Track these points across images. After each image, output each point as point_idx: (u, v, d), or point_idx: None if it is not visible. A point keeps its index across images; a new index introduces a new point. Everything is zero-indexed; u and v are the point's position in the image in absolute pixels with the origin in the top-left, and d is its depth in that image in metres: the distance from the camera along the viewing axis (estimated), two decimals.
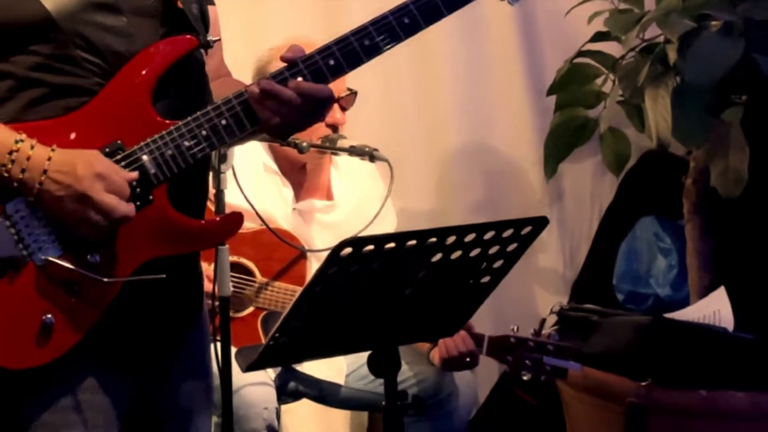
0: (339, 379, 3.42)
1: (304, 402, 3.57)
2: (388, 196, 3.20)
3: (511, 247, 2.04)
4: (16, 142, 1.85)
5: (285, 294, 3.25)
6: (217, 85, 2.10)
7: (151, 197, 1.92)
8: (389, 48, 2.00)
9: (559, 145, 3.85)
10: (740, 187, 3.33)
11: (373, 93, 3.88)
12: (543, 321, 3.10)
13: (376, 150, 3.19)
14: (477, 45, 4.14)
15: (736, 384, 3.06)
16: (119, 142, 1.91)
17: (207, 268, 2.80)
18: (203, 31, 2.02)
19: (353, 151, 3.22)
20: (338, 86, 3.12)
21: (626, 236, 3.99)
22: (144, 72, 1.93)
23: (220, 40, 2.04)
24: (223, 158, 2.65)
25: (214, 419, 3.31)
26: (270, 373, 3.29)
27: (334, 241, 1.94)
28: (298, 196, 3.49)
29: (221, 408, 2.75)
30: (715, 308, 3.30)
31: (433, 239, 1.94)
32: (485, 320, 3.55)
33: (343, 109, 3.41)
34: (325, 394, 3.47)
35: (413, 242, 1.92)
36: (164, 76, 1.94)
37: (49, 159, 1.85)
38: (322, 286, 1.91)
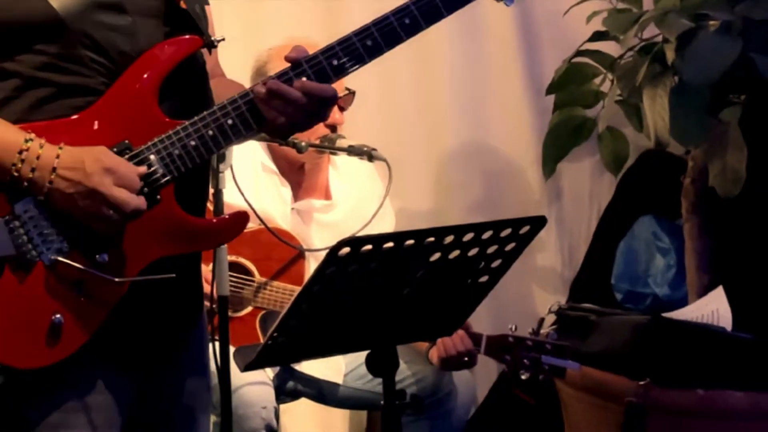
0: (337, 378, 3.43)
1: (303, 401, 3.58)
2: (387, 196, 3.21)
3: (509, 247, 2.04)
4: (26, 141, 1.85)
5: (283, 293, 3.25)
6: (214, 85, 2.11)
7: (158, 197, 1.93)
8: (391, 48, 2.01)
9: (558, 145, 3.86)
10: (738, 186, 3.33)
11: (372, 93, 3.88)
12: (541, 320, 3.11)
13: (374, 150, 3.20)
14: (475, 44, 4.14)
15: (734, 383, 3.06)
16: (127, 141, 1.92)
17: (205, 270, 2.81)
18: (207, 31, 2.03)
19: (352, 150, 3.22)
20: (337, 86, 3.10)
21: (625, 236, 3.99)
22: (150, 72, 1.94)
23: (223, 39, 2.05)
24: (221, 158, 2.66)
25: (213, 419, 3.32)
26: (269, 373, 3.29)
27: (332, 241, 1.94)
28: (296, 196, 3.49)
29: (220, 407, 2.75)
30: (713, 308, 3.30)
31: (432, 239, 1.94)
32: (484, 319, 3.55)
33: (342, 109, 3.41)
34: (323, 393, 3.47)
35: (411, 242, 1.92)
36: (168, 76, 1.95)
37: (58, 157, 1.86)
38: (320, 286, 1.91)
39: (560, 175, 4.13)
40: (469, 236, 1.97)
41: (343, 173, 3.58)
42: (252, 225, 3.11)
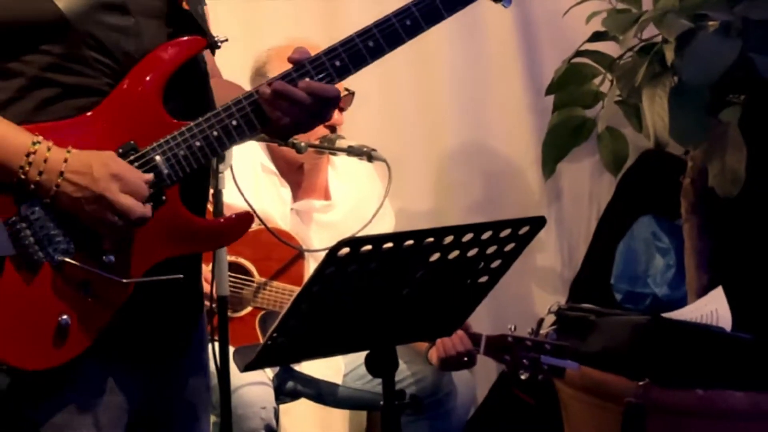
0: (337, 378, 3.43)
1: (303, 401, 3.58)
2: (386, 197, 3.21)
3: (508, 247, 2.04)
4: (34, 144, 1.85)
5: (283, 294, 3.25)
6: (212, 86, 2.11)
7: (164, 197, 1.94)
8: (393, 49, 2.02)
9: (558, 145, 3.86)
10: (738, 186, 3.34)
11: (371, 93, 3.89)
12: (541, 321, 3.11)
13: (374, 150, 3.20)
14: (475, 45, 4.14)
15: (733, 384, 3.06)
16: (132, 142, 1.93)
17: (205, 270, 2.81)
18: (210, 32, 2.03)
19: (351, 151, 3.22)
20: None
21: (624, 236, 3.99)
22: (155, 72, 1.94)
23: (226, 40, 2.06)
24: (221, 158, 2.66)
25: (213, 419, 3.32)
26: (268, 373, 3.29)
27: (332, 241, 1.94)
28: (295, 196, 3.49)
29: (219, 408, 2.75)
30: (712, 308, 3.30)
31: (431, 239, 1.94)
32: (483, 320, 3.55)
33: (341, 109, 3.41)
34: (323, 393, 3.47)
35: (411, 242, 1.92)
36: (171, 77, 1.96)
37: (65, 161, 1.86)
38: (319, 286, 1.91)
39: (560, 175, 4.13)
40: (468, 236, 1.97)
41: (342, 173, 3.59)
42: (252, 225, 3.12)
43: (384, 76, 3.95)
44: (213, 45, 2.03)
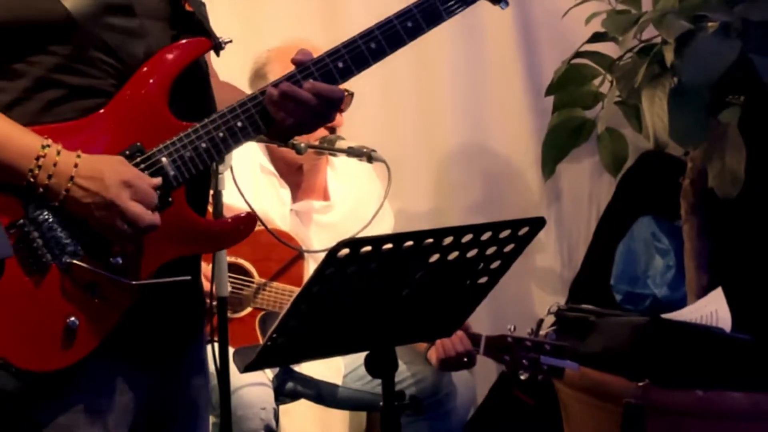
0: (337, 379, 3.43)
1: (302, 402, 3.58)
2: (386, 197, 3.21)
3: (508, 248, 2.04)
4: (43, 147, 1.85)
5: (283, 294, 3.25)
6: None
7: (170, 199, 1.94)
8: (394, 51, 2.04)
9: (557, 146, 3.86)
10: (737, 187, 3.34)
11: (371, 94, 3.89)
12: (540, 321, 3.11)
13: (374, 151, 3.20)
14: (475, 46, 4.14)
15: (733, 384, 3.06)
16: (139, 144, 1.93)
17: (205, 268, 2.81)
18: (214, 33, 2.04)
19: (351, 152, 3.22)
20: None
21: (624, 236, 4.00)
22: (161, 74, 1.95)
23: (231, 41, 2.06)
24: (221, 159, 2.66)
25: (212, 419, 3.32)
26: (268, 374, 3.29)
27: (331, 242, 1.94)
28: (295, 197, 3.50)
29: (219, 408, 2.75)
30: (712, 309, 3.30)
31: (431, 240, 1.94)
32: (483, 320, 3.56)
33: (341, 110, 3.41)
34: (323, 394, 3.47)
35: (410, 243, 1.92)
36: (176, 79, 1.96)
37: (76, 165, 1.86)
38: (319, 287, 1.91)
39: (559, 176, 4.13)
40: (468, 237, 1.98)
41: (342, 174, 3.59)
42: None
43: (384, 77, 3.95)
44: (218, 46, 2.04)
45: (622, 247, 3.98)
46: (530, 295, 4.23)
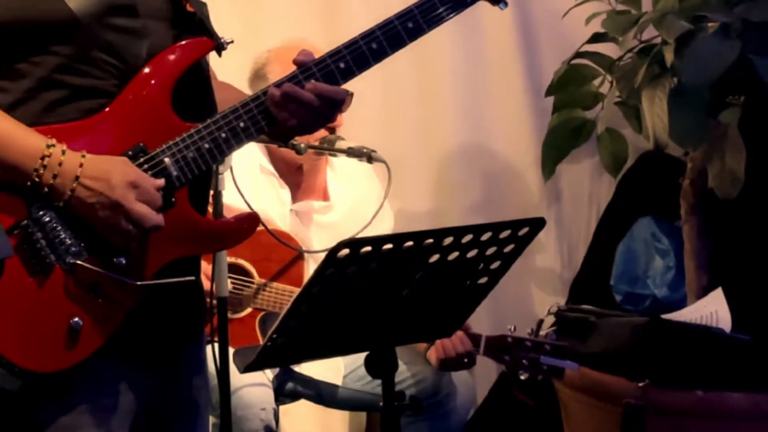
0: (337, 379, 3.43)
1: (302, 402, 3.58)
2: (386, 198, 3.21)
3: (508, 248, 2.04)
4: (48, 147, 1.85)
5: (283, 295, 3.25)
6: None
7: (173, 199, 1.95)
8: (395, 51, 2.05)
9: (557, 146, 3.86)
10: (737, 187, 3.34)
11: (371, 94, 3.88)
12: (540, 322, 3.11)
13: (374, 151, 3.20)
14: (475, 46, 4.14)
15: (733, 385, 3.06)
16: (142, 144, 1.93)
17: (206, 267, 2.81)
18: (216, 33, 2.04)
19: (351, 152, 3.22)
20: None
21: (624, 237, 4.00)
22: (164, 74, 1.95)
23: (232, 42, 2.07)
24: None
25: (212, 420, 3.32)
26: (268, 374, 3.29)
27: (331, 242, 1.95)
28: (294, 197, 3.50)
29: (219, 409, 2.75)
30: (712, 309, 3.30)
31: (431, 240, 1.94)
32: (483, 320, 3.56)
33: (341, 110, 3.40)
34: (323, 394, 3.47)
35: (410, 243, 1.92)
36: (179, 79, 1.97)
37: (81, 165, 1.86)
38: (319, 287, 1.91)
39: (559, 176, 4.13)
40: (468, 238, 1.98)
41: (341, 174, 3.59)
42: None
43: (384, 77, 3.95)
44: (220, 47, 2.04)
45: (622, 247, 3.98)
46: (530, 296, 4.23)
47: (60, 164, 1.85)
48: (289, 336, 1.98)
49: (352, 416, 4.11)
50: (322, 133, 3.29)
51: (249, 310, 3.27)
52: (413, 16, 2.04)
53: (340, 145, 3.24)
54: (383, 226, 3.40)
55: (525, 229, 2.03)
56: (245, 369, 2.04)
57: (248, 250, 3.23)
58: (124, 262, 1.91)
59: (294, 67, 2.05)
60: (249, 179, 3.34)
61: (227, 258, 2.85)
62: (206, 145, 1.96)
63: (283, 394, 3.44)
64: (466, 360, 3.16)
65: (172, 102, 1.96)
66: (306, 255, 3.30)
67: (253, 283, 3.26)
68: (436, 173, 4.19)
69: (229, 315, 2.97)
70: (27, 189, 1.86)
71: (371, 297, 1.98)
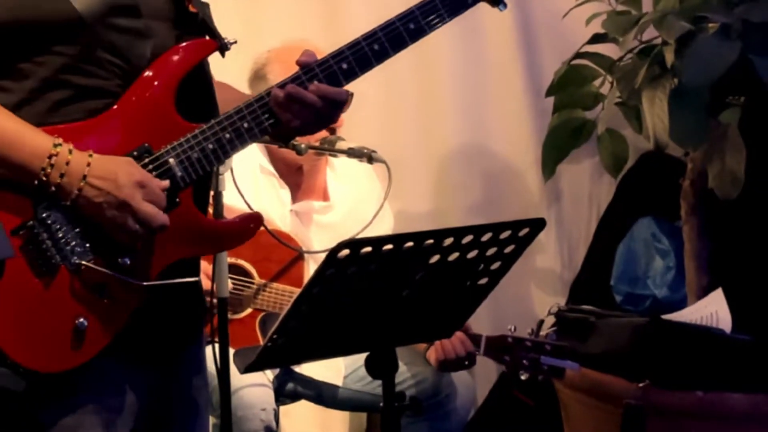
0: (337, 380, 3.43)
1: (303, 403, 3.58)
2: (386, 198, 3.21)
3: (508, 249, 2.04)
4: (55, 146, 1.86)
5: (283, 295, 3.25)
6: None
7: (178, 200, 1.95)
8: (397, 53, 2.06)
9: (557, 147, 3.86)
10: (737, 188, 3.34)
11: (371, 94, 3.88)
12: (541, 322, 3.11)
13: (374, 152, 3.20)
14: (475, 46, 4.14)
15: (733, 385, 3.06)
16: (146, 145, 1.94)
17: (206, 267, 2.81)
18: (220, 34, 2.05)
19: (352, 153, 3.22)
20: None
21: (624, 237, 4.00)
22: (167, 75, 1.96)
23: (236, 42, 2.07)
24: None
25: (213, 420, 3.32)
26: (268, 375, 3.29)
27: (331, 242, 1.95)
28: (295, 198, 3.50)
29: (220, 409, 2.75)
30: (712, 309, 3.30)
31: (431, 241, 1.94)
32: (483, 321, 3.55)
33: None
34: (323, 395, 3.47)
35: (411, 244, 1.92)
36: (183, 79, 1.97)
37: (89, 165, 1.87)
38: (319, 288, 1.91)
39: (560, 176, 4.13)
40: (468, 238, 1.98)
41: (341, 174, 3.59)
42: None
43: (384, 78, 3.95)
44: (224, 47, 2.05)
45: (622, 247, 3.98)
46: (530, 296, 4.23)
47: (67, 163, 1.86)
48: (290, 336, 1.98)
49: (353, 417, 4.11)
50: (323, 133, 3.28)
51: (249, 310, 3.27)
52: (415, 17, 2.06)
53: (341, 145, 3.24)
54: (383, 227, 3.40)
55: (525, 230, 2.03)
56: (245, 369, 2.04)
57: (248, 250, 3.23)
58: (128, 262, 1.91)
59: (295, 68, 2.06)
60: (249, 180, 3.34)
61: (227, 258, 2.84)
62: (210, 146, 1.97)
63: (284, 394, 3.44)
64: (466, 363, 3.16)
65: (177, 102, 1.96)
66: (306, 255, 3.30)
67: (253, 283, 3.26)
68: (437, 173, 4.19)
69: (230, 315, 2.97)
70: (34, 188, 1.86)
71: (371, 297, 1.98)
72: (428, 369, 3.31)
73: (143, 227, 1.88)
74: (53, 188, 1.86)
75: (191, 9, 2.03)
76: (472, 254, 2.00)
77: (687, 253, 3.67)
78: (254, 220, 2.05)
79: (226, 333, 2.72)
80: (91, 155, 1.87)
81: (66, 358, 1.89)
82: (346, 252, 1.86)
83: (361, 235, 2.91)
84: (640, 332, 3.16)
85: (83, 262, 1.88)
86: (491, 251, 2.02)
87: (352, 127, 3.55)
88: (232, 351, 2.41)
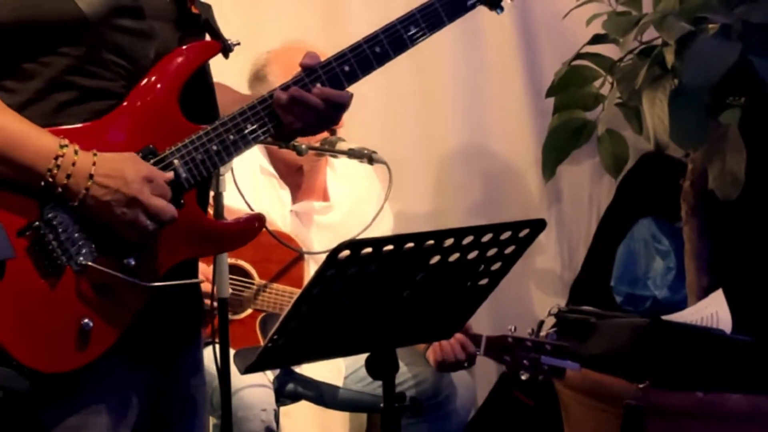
0: (337, 380, 3.43)
1: (303, 403, 3.58)
2: (387, 199, 3.21)
3: (508, 250, 2.04)
4: (61, 147, 1.86)
5: (283, 296, 3.25)
6: None
7: (182, 201, 1.96)
8: (398, 55, 2.08)
9: (558, 147, 3.86)
10: (738, 189, 3.34)
11: (372, 95, 3.89)
12: (541, 323, 3.11)
13: (374, 152, 3.20)
14: (475, 47, 4.14)
15: (733, 386, 3.06)
16: (151, 146, 1.94)
17: (206, 269, 2.81)
18: (223, 36, 2.06)
19: (352, 153, 3.22)
20: None
21: (624, 238, 4.00)
22: (172, 76, 1.96)
23: (239, 44, 2.08)
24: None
25: (213, 421, 3.32)
26: (269, 375, 3.29)
27: (332, 243, 1.95)
28: (295, 198, 3.50)
29: (220, 410, 2.75)
30: (712, 310, 3.30)
31: (431, 242, 1.94)
32: (483, 321, 3.55)
33: None
34: (323, 395, 3.47)
35: (411, 245, 1.92)
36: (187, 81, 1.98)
37: (94, 164, 1.87)
38: (320, 289, 1.91)
39: (560, 177, 4.13)
40: (468, 239, 1.98)
41: (341, 175, 3.59)
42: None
43: (385, 79, 3.94)
44: (227, 49, 2.05)
45: (622, 248, 3.98)
46: (530, 297, 4.23)
47: (73, 164, 1.86)
48: (290, 337, 1.98)
49: (353, 417, 4.11)
50: (323, 134, 3.28)
51: (249, 311, 3.27)
52: (415, 20, 2.07)
53: (341, 146, 3.24)
54: (383, 227, 3.40)
55: (526, 231, 2.03)
56: (246, 370, 2.04)
57: (248, 251, 3.22)
58: (133, 263, 1.92)
59: (295, 68, 2.06)
60: (249, 180, 3.34)
61: (228, 259, 2.84)
62: (214, 147, 1.98)
63: (284, 395, 3.44)
64: (465, 363, 3.15)
65: (180, 103, 1.97)
66: (306, 256, 3.30)
67: (253, 284, 3.27)
68: (437, 174, 4.19)
69: (230, 316, 2.97)
70: (40, 189, 1.87)
71: (372, 298, 1.98)
72: (428, 369, 3.31)
73: (154, 221, 1.89)
74: (60, 189, 1.86)
75: (194, 10, 2.03)
76: (472, 255, 2.00)
77: (687, 253, 3.67)
78: (258, 220, 2.06)
79: (226, 334, 2.72)
80: (95, 154, 1.88)
81: (70, 359, 1.90)
82: (346, 253, 1.86)
83: (361, 236, 2.91)
84: (640, 333, 3.16)
85: (89, 263, 1.88)
86: (492, 252, 2.03)
87: (352, 127, 3.55)
88: (232, 352, 2.41)
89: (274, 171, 3.46)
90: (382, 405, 2.10)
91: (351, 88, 3.45)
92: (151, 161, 1.94)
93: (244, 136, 2.00)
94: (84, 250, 1.88)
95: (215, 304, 2.70)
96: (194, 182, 1.97)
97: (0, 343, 1.85)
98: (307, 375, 3.41)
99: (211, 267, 2.74)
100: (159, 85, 1.95)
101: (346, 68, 2.04)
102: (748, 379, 3.08)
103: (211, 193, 2.54)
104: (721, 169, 3.36)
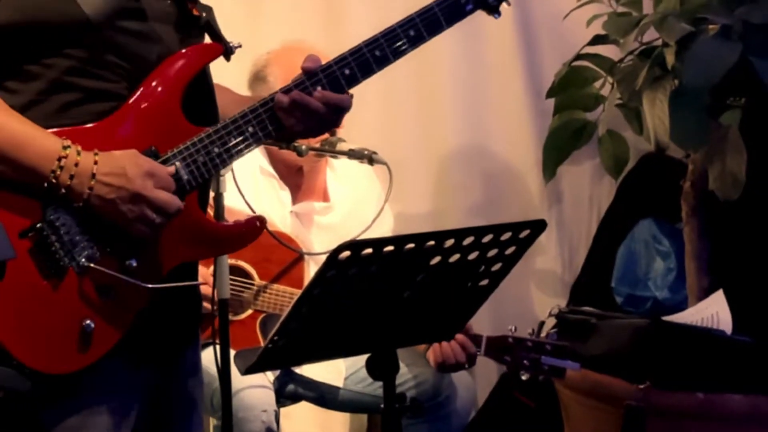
0: (338, 381, 3.43)
1: (303, 404, 3.58)
2: (387, 200, 3.21)
3: (509, 251, 2.04)
4: (64, 148, 1.87)
5: (283, 297, 3.25)
6: None
7: (183, 203, 1.95)
8: (398, 59, 2.10)
9: (558, 148, 3.86)
10: (738, 189, 3.33)
11: (372, 96, 3.89)
12: (541, 324, 3.11)
13: (375, 153, 3.20)
14: (475, 48, 4.14)
15: (733, 387, 3.06)
16: (153, 148, 1.95)
17: (206, 272, 2.81)
18: (225, 38, 2.06)
19: (353, 154, 3.22)
20: None
21: (625, 239, 4.00)
22: (174, 78, 1.97)
23: (240, 46, 2.09)
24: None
25: (214, 422, 3.33)
26: (269, 376, 3.29)
27: (332, 243, 1.95)
28: (295, 199, 3.50)
29: (221, 410, 2.76)
30: (713, 311, 3.30)
31: (432, 242, 1.94)
32: (484, 321, 3.55)
33: None
34: (324, 396, 3.47)
35: (412, 245, 1.92)
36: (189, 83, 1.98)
37: (96, 163, 1.87)
38: (320, 289, 1.91)
39: (560, 178, 4.13)
40: (469, 240, 1.98)
41: (341, 175, 3.59)
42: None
43: (385, 79, 3.92)
44: (229, 51, 2.06)
45: (622, 249, 3.98)
46: (531, 298, 4.22)
47: (76, 164, 1.86)
48: (291, 338, 1.98)
49: (353, 418, 4.11)
50: (323, 135, 3.28)
51: (249, 311, 3.27)
52: (415, 24, 2.08)
53: (341, 147, 3.24)
54: (383, 228, 3.40)
55: (526, 232, 2.03)
56: (246, 371, 2.04)
57: (248, 251, 3.20)
58: (135, 264, 1.92)
59: (295, 69, 2.07)
60: (249, 181, 3.34)
61: (228, 260, 2.85)
62: (216, 150, 1.99)
63: (284, 395, 3.44)
64: (466, 365, 3.15)
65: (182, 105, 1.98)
66: (306, 256, 3.30)
67: (253, 284, 3.26)
68: (437, 175, 4.19)
69: (230, 317, 2.97)
70: (43, 191, 1.87)
71: (372, 299, 1.98)
72: (429, 370, 3.31)
73: (160, 215, 1.90)
74: (63, 190, 1.87)
75: (195, 13, 2.04)
76: (473, 256, 2.01)
77: (688, 254, 3.67)
78: (259, 221, 2.06)
79: (227, 334, 2.72)
80: (96, 153, 1.88)
81: (72, 360, 1.90)
82: (347, 253, 1.86)
83: (361, 237, 2.91)
84: (640, 333, 3.17)
85: (91, 264, 1.89)
86: (492, 253, 2.03)
87: (352, 128, 3.54)
88: (232, 352, 2.41)
89: (274, 171, 3.46)
90: (382, 406, 2.10)
91: (352, 89, 3.46)
92: None
93: (245, 138, 2.01)
94: (86, 252, 1.89)
95: (215, 300, 2.71)
96: (196, 184, 1.97)
97: (1, 343, 1.85)
98: (308, 376, 3.41)
99: (211, 269, 2.74)
100: (161, 88, 1.96)
101: (347, 71, 2.05)
102: (749, 379, 3.08)
103: (212, 194, 2.54)
104: (721, 170, 3.36)
